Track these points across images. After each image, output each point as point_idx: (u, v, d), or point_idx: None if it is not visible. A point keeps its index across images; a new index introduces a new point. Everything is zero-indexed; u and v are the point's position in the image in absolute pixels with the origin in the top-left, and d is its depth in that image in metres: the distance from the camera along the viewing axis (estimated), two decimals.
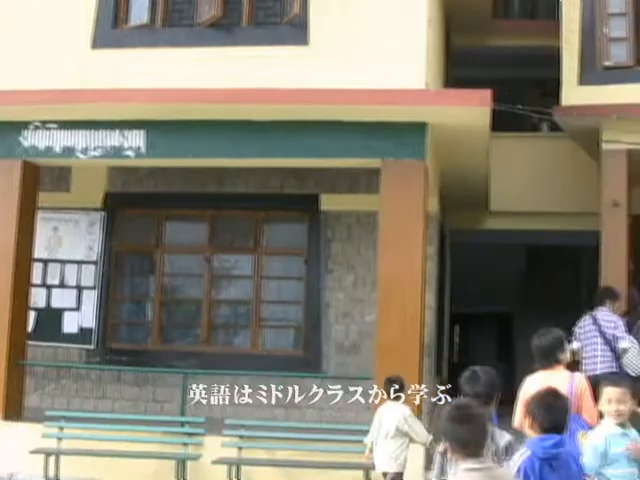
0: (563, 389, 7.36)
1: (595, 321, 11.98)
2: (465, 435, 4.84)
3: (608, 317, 12.00)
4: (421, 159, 11.86)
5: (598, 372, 11.35)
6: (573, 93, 15.33)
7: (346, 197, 13.93)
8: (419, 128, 11.89)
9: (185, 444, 12.23)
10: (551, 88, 16.17)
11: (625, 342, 11.74)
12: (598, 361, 11.72)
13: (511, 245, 20.25)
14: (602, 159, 15.23)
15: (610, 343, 11.77)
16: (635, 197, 16.08)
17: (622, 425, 6.71)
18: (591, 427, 7.74)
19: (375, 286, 12.61)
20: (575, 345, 11.61)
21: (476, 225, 18.70)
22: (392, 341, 11.40)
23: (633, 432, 6.74)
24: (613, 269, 14.66)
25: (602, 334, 11.80)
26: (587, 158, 16.68)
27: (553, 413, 5.76)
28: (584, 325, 12.06)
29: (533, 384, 7.80)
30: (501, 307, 22.09)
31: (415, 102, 11.69)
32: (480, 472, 4.78)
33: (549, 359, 8.14)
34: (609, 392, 6.75)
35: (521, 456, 5.67)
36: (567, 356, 8.35)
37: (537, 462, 5.58)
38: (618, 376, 10.25)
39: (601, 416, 6.95)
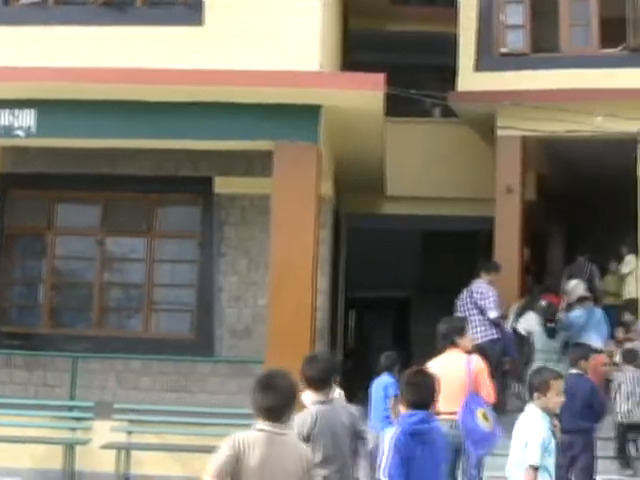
0: (461, 370, 8.56)
1: (471, 293, 12.92)
2: (264, 401, 5.22)
3: (480, 288, 12.87)
4: (314, 142, 11.81)
5: (480, 341, 12.01)
6: (469, 79, 15.48)
7: (241, 180, 13.79)
8: (312, 111, 11.84)
9: (73, 429, 12.04)
10: (449, 74, 16.30)
11: (493, 312, 12.61)
12: (478, 331, 12.41)
13: (407, 230, 20.32)
14: (497, 145, 15.41)
15: (483, 312, 12.67)
16: (529, 183, 16.35)
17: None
18: (489, 405, 8.56)
19: (269, 269, 12.56)
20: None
21: (372, 210, 18.73)
22: (284, 325, 11.34)
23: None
24: (506, 254, 14.90)
25: (476, 305, 12.69)
26: (482, 144, 16.85)
27: (419, 391, 6.22)
28: (463, 297, 13.01)
29: (433, 366, 8.05)
30: (398, 292, 22.15)
31: (308, 84, 11.62)
32: (266, 434, 5.18)
33: (447, 342, 8.89)
34: (559, 384, 6.73)
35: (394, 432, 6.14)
36: (466, 341, 9.05)
37: (405, 437, 6.04)
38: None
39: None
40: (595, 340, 12.73)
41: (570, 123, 14.75)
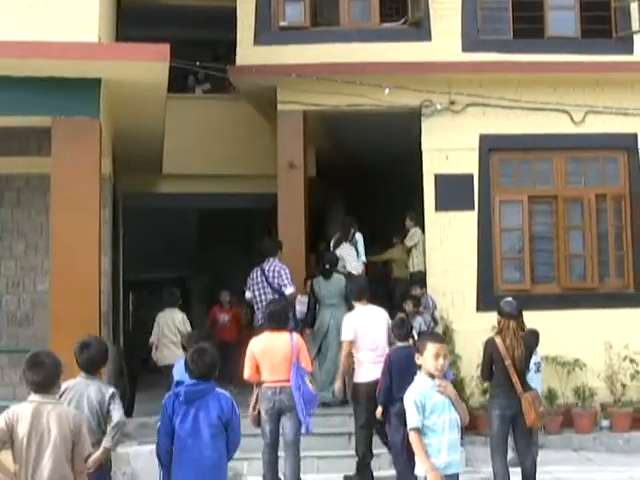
0: (286, 345, 10.10)
1: (263, 272, 13.16)
2: (33, 377, 6.08)
3: (273, 266, 13.18)
4: (95, 117, 11.16)
5: None
6: (248, 53, 15.14)
7: (15, 160, 12.92)
8: (92, 84, 11.15)
9: None
10: (227, 49, 15.93)
11: (290, 288, 13.04)
12: None
13: (185, 209, 19.89)
14: (278, 120, 15.14)
15: (278, 291, 12.98)
16: (311, 158, 16.20)
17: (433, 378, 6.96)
18: (308, 373, 10.26)
19: (48, 253, 11.84)
20: (248, 294, 13.42)
21: (150, 188, 18.10)
22: (68, 310, 10.67)
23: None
24: (292, 230, 14.71)
25: (270, 284, 13.04)
26: (263, 120, 16.60)
27: (199, 364, 7.12)
28: (255, 277, 13.23)
29: (258, 342, 10.25)
30: (176, 272, 21.70)
31: (87, 56, 10.89)
32: (36, 404, 6.03)
33: (279, 322, 10.33)
34: (437, 347, 6.91)
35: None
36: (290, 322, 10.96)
37: (175, 399, 7.03)
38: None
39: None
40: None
41: (352, 97, 14.69)
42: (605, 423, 13.82)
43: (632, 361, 14.13)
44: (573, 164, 15.37)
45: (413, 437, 6.70)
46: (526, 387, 9.71)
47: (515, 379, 9.59)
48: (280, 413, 10.11)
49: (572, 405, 14.06)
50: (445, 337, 13.41)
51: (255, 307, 13.38)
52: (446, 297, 14.75)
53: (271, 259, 13.25)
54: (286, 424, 10.15)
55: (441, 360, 6.84)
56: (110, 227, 13.93)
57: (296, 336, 10.36)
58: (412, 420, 6.73)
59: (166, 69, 11.25)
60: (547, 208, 15.35)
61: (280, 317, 10.41)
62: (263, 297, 13.01)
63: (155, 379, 14.07)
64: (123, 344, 17.55)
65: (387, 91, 14.46)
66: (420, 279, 14.86)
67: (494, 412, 9.70)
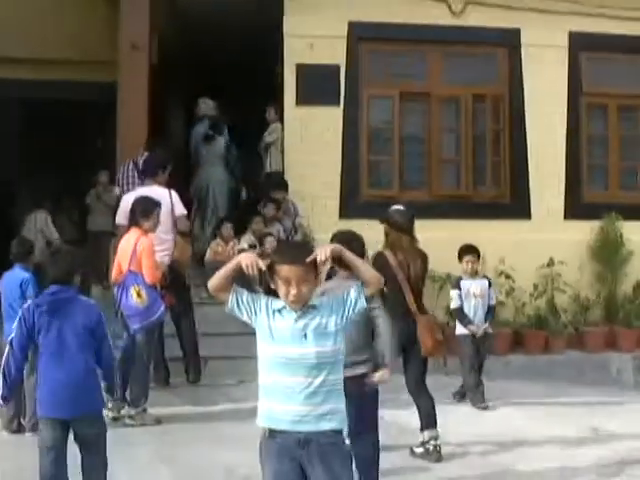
0: (129, 247, 9.13)
1: (136, 165, 12.25)
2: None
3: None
4: None
5: None
6: None
7: None
8: None
9: None
10: None
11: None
12: None
13: (3, 98, 17.54)
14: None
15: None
16: (155, 43, 14.31)
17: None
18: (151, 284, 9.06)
19: None
20: (117, 190, 12.68)
21: None
22: None
23: None
24: (132, 121, 13.05)
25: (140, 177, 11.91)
26: None
27: (54, 268, 6.47)
28: (124, 170, 12.47)
29: (123, 243, 9.34)
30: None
31: None
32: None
33: (131, 221, 9.37)
34: (286, 270, 4.60)
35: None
36: (150, 223, 9.36)
37: (35, 310, 6.29)
38: None
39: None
40: None
41: None
42: None
43: (508, 277, 12.99)
44: (450, 60, 14.04)
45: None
46: (424, 310, 8.32)
47: (410, 299, 8.14)
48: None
49: (443, 325, 12.85)
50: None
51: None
52: (305, 202, 13.34)
53: (145, 153, 12.20)
54: None
55: (293, 289, 4.58)
56: None
57: (144, 239, 9.19)
58: None
59: None
60: (420, 107, 14.03)
61: (134, 213, 9.45)
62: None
63: None
64: None
65: None
66: (281, 181, 13.25)
67: None
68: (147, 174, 10.80)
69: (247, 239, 12.51)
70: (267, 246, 11.77)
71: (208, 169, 14.26)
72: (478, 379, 10.33)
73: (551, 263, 13.22)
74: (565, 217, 14.08)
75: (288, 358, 4.55)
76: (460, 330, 10.65)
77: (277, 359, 4.58)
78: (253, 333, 4.74)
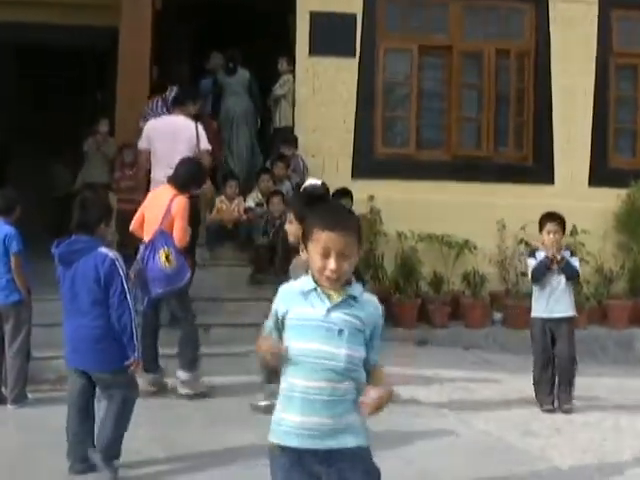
0: (164, 204, 8.43)
1: (165, 102, 11.63)
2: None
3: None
4: None
5: None
6: None
7: None
8: None
9: None
10: None
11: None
12: None
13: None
14: None
15: None
16: None
17: None
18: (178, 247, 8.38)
19: None
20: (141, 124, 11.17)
21: None
22: None
23: None
24: (134, 70, 12.37)
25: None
26: None
27: (80, 215, 6.26)
28: (153, 106, 11.81)
29: (154, 197, 8.74)
30: None
31: None
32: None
33: (175, 182, 8.59)
34: (327, 238, 3.65)
35: None
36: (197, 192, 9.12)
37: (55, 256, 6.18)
38: None
39: None
40: None
41: None
42: (498, 316, 11.97)
43: (528, 245, 12.24)
44: (473, 12, 13.29)
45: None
46: None
47: None
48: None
49: (459, 293, 12.18)
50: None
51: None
52: (316, 160, 12.70)
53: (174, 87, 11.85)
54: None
55: (332, 263, 3.65)
56: None
57: (181, 198, 8.50)
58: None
59: None
60: (440, 61, 13.35)
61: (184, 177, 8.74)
62: None
63: None
64: None
65: None
66: (290, 136, 12.52)
67: None
68: (177, 103, 10.46)
69: (253, 197, 11.85)
70: (274, 207, 11.04)
71: (235, 99, 13.59)
72: (550, 373, 8.54)
73: (574, 232, 12.45)
74: (590, 183, 13.38)
75: (312, 356, 3.64)
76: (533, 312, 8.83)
77: (297, 357, 3.66)
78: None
